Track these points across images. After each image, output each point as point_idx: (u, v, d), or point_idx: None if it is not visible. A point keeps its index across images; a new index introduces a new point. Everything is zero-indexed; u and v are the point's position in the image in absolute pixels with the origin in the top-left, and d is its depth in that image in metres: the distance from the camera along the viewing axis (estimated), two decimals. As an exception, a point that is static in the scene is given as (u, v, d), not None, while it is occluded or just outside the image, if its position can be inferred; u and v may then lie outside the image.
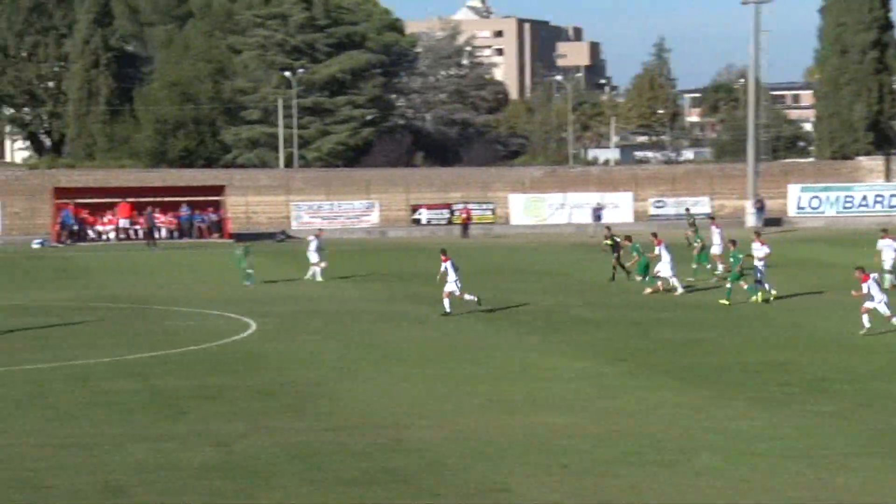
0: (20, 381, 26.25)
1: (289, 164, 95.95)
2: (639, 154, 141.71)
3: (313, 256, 46.04)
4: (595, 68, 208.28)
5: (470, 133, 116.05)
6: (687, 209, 69.83)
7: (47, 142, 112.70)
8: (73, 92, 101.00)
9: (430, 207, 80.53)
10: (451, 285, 35.80)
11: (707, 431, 20.87)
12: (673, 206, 79.93)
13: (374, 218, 79.99)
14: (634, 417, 22.16)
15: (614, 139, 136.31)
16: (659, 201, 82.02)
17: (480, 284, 44.71)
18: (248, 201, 79.70)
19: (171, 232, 72.13)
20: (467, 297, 36.08)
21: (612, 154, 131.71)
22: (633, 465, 18.68)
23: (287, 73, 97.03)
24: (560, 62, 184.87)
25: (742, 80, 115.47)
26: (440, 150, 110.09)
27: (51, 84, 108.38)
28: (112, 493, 17.42)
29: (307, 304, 39.25)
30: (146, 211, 70.26)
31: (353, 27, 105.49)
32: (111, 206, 72.84)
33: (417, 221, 79.63)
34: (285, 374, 26.87)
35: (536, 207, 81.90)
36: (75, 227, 70.64)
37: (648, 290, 40.53)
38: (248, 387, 25.43)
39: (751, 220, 75.89)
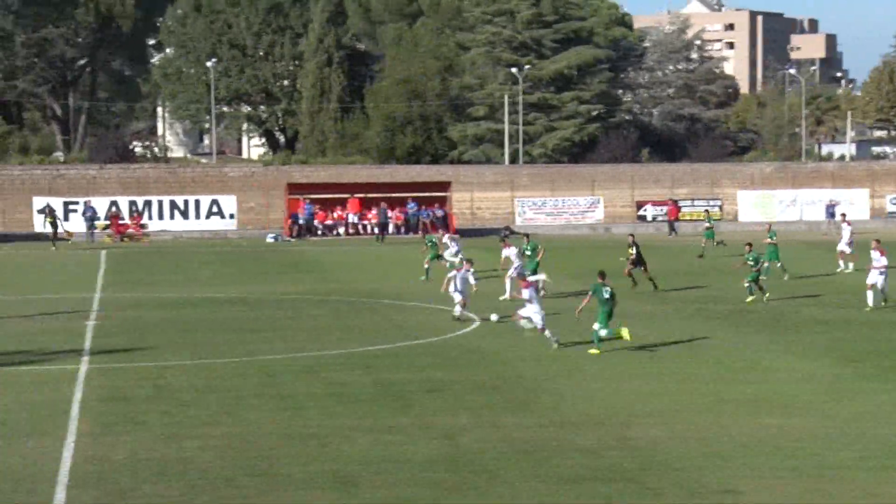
0: (254, 371, 27.03)
1: (514, 160, 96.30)
2: (876, 149, 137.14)
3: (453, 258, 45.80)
4: (830, 61, 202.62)
5: (698, 128, 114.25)
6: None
7: (281, 139, 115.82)
8: (307, 90, 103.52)
9: (655, 204, 79.75)
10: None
11: (946, 437, 20.15)
12: (912, 202, 77.36)
13: (598, 214, 79.61)
14: (868, 420, 21.52)
15: (850, 134, 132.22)
16: (897, 198, 79.39)
17: (703, 281, 44.13)
18: (474, 197, 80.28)
19: (397, 227, 73.27)
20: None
21: (848, 149, 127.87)
22: (868, 470, 18.14)
23: (514, 70, 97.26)
24: (794, 55, 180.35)
25: None
26: (667, 145, 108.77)
27: (286, 82, 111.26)
28: (342, 483, 17.80)
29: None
30: (380, 206, 71.67)
31: (580, 22, 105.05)
32: (341, 202, 74.44)
33: (643, 218, 78.92)
34: (509, 369, 27.01)
35: (766, 204, 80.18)
36: (302, 222, 72.35)
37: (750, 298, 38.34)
38: (472, 381, 25.65)
39: None
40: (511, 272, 38.73)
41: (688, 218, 77.52)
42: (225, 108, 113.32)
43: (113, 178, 79.31)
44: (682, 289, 42.42)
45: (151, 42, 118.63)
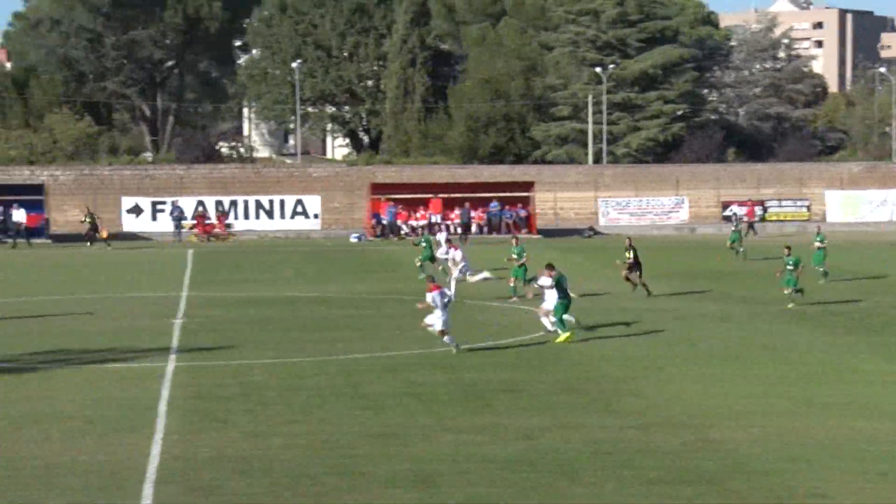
0: (336, 370, 27.23)
1: (597, 160, 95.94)
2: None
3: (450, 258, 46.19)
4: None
5: (785, 128, 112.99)
6: None
7: (365, 139, 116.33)
8: (391, 90, 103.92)
9: (741, 204, 79.09)
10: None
11: None
12: None
13: (683, 214, 79.20)
14: (959, 426, 21.21)
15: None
16: None
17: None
18: (557, 197, 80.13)
19: (479, 227, 73.39)
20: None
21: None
22: (960, 477, 17.88)
23: (598, 69, 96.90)
24: (884, 53, 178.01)
25: None
26: (753, 145, 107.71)
27: (370, 83, 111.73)
28: (422, 482, 17.90)
29: (609, 302, 39.17)
30: (463, 206, 71.87)
31: (665, 21, 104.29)
32: (424, 202, 74.70)
33: (728, 218, 78.27)
34: (590, 370, 26.97)
35: (854, 204, 79.26)
36: (385, 222, 72.72)
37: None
38: (552, 381, 25.65)
39: None
40: (456, 274, 40.09)
41: (774, 218, 76.87)
42: (310, 109, 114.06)
43: (199, 178, 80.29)
44: (762, 291, 42.01)
45: (238, 43, 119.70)
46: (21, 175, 79.35)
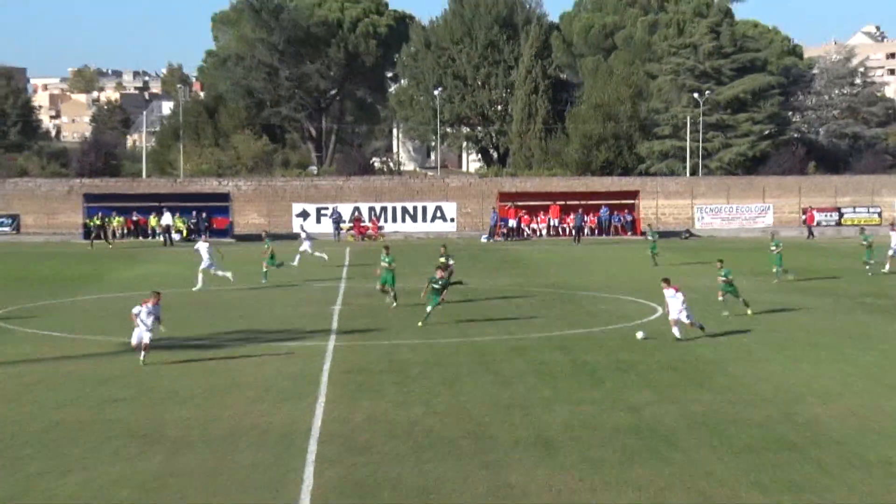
0: (470, 351, 27.29)
1: (694, 172, 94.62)
2: None
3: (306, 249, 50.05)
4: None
5: (860, 145, 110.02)
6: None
7: (494, 155, 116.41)
8: (517, 113, 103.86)
9: (819, 210, 77.43)
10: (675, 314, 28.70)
11: None
12: None
13: (768, 219, 77.72)
14: None
15: None
16: None
17: (851, 279, 42.61)
18: (658, 204, 79.33)
19: (591, 230, 72.92)
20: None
21: None
22: None
23: (695, 95, 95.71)
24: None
25: None
26: (831, 160, 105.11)
27: (499, 107, 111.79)
28: (543, 445, 17.86)
29: (700, 294, 38.54)
30: (577, 212, 71.47)
31: (755, 53, 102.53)
32: (544, 208, 74.49)
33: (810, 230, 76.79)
34: (686, 352, 26.61)
35: (920, 211, 76.99)
36: (511, 225, 72.67)
37: None
38: (656, 362, 25.37)
39: None
40: (202, 266, 40.55)
41: (849, 223, 75.07)
42: (448, 129, 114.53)
43: (356, 187, 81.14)
44: (842, 286, 41.00)
45: (389, 74, 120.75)
46: (211, 185, 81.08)
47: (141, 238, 72.77)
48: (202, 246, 42.15)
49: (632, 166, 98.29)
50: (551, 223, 73.62)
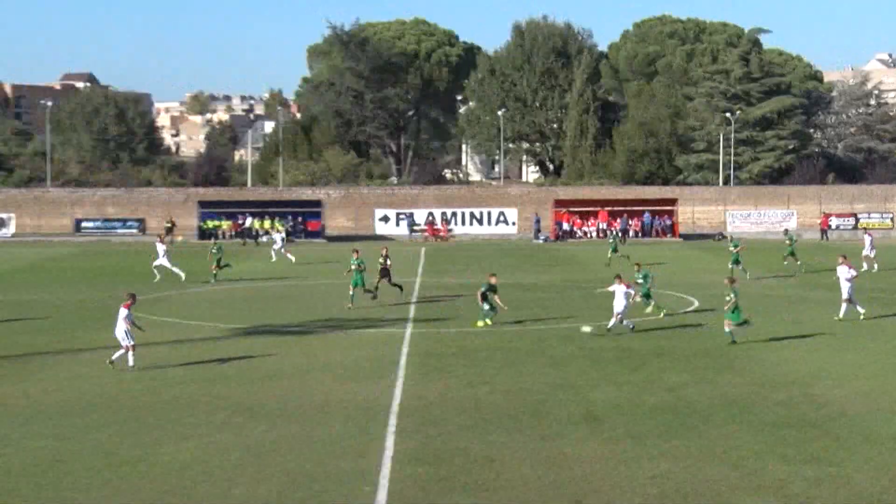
0: (528, 336, 27.24)
1: (726, 182, 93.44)
2: None
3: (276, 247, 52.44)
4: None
5: (874, 158, 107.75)
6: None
7: (550, 167, 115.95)
8: (570, 130, 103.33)
9: (837, 216, 76.11)
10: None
11: None
12: None
13: (791, 223, 76.39)
14: None
15: None
16: None
17: (868, 277, 41.76)
18: (694, 210, 78.45)
19: (635, 232, 72.32)
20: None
21: None
22: None
23: (727, 114, 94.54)
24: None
25: None
26: (848, 171, 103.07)
27: (554, 125, 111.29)
28: (592, 420, 17.79)
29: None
30: (623, 217, 70.94)
31: (780, 77, 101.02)
32: (593, 214, 74.01)
33: (828, 226, 75.44)
34: (720, 340, 26.23)
35: (929, 216, 75.17)
36: (565, 228, 72.32)
37: None
38: (691, 348, 25.09)
39: None
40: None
41: (864, 227, 73.56)
42: (510, 145, 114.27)
43: (429, 195, 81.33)
44: (858, 283, 40.12)
45: (459, 97, 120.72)
46: (305, 193, 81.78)
47: (245, 239, 73.37)
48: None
49: (671, 177, 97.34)
50: (599, 227, 73.08)
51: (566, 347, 25.42)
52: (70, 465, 15.11)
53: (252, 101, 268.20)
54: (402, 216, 75.54)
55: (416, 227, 73.49)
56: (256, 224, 71.47)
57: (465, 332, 27.99)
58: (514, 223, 76.34)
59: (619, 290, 27.38)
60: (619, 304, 27.30)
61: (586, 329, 27.27)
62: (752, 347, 25.19)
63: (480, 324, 28.73)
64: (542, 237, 70.79)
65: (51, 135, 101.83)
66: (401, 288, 35.56)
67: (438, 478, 14.36)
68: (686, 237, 71.95)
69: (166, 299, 36.16)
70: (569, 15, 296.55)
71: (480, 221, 76.37)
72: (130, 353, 22.51)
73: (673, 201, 74.61)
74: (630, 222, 71.95)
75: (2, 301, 35.37)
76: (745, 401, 19.09)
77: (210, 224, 71.24)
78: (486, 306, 28.69)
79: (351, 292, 33.40)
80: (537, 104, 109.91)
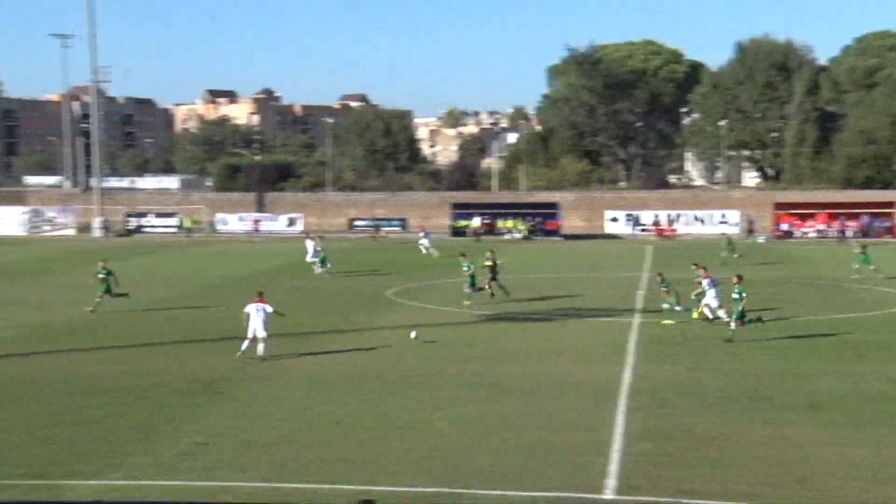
0: (750, 328, 25.72)
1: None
2: None
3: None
4: None
5: None
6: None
7: (770, 172, 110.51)
8: (790, 139, 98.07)
9: None
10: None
11: None
12: None
13: None
14: None
15: None
16: None
17: None
18: (916, 213, 72.16)
19: (854, 233, 67.59)
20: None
21: None
22: None
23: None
24: None
25: None
26: None
27: (774, 134, 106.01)
28: (812, 407, 16.79)
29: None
30: (840, 219, 66.58)
31: None
32: (812, 216, 69.87)
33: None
34: (943, 337, 24.01)
35: None
36: (785, 228, 68.53)
37: None
38: (913, 344, 23.10)
39: None
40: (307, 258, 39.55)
41: None
42: (731, 153, 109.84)
43: (656, 198, 79.39)
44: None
45: (684, 110, 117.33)
46: (544, 197, 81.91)
47: (493, 236, 74.09)
48: (308, 243, 43.02)
49: (889, 181, 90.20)
50: (819, 227, 68.82)
51: (787, 338, 24.02)
52: (347, 426, 15.75)
53: (498, 116, 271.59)
54: (629, 217, 74.17)
55: (642, 228, 71.93)
56: (500, 223, 72.01)
57: (689, 322, 26.99)
58: (735, 223, 73.23)
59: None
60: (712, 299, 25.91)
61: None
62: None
63: (696, 315, 27.14)
64: (763, 237, 67.44)
65: (331, 147, 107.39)
66: (506, 291, 32.43)
67: (666, 453, 13.91)
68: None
69: (430, 288, 37.11)
70: (791, 31, 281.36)
71: (703, 222, 73.68)
72: (262, 344, 21.18)
73: (890, 205, 69.12)
74: (846, 223, 67.36)
75: (293, 287, 37.41)
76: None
77: (461, 224, 72.66)
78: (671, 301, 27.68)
79: (468, 290, 31.42)
80: (758, 115, 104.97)
